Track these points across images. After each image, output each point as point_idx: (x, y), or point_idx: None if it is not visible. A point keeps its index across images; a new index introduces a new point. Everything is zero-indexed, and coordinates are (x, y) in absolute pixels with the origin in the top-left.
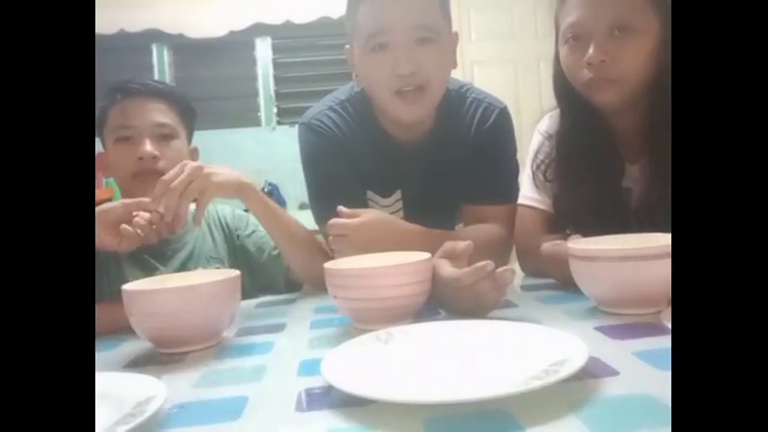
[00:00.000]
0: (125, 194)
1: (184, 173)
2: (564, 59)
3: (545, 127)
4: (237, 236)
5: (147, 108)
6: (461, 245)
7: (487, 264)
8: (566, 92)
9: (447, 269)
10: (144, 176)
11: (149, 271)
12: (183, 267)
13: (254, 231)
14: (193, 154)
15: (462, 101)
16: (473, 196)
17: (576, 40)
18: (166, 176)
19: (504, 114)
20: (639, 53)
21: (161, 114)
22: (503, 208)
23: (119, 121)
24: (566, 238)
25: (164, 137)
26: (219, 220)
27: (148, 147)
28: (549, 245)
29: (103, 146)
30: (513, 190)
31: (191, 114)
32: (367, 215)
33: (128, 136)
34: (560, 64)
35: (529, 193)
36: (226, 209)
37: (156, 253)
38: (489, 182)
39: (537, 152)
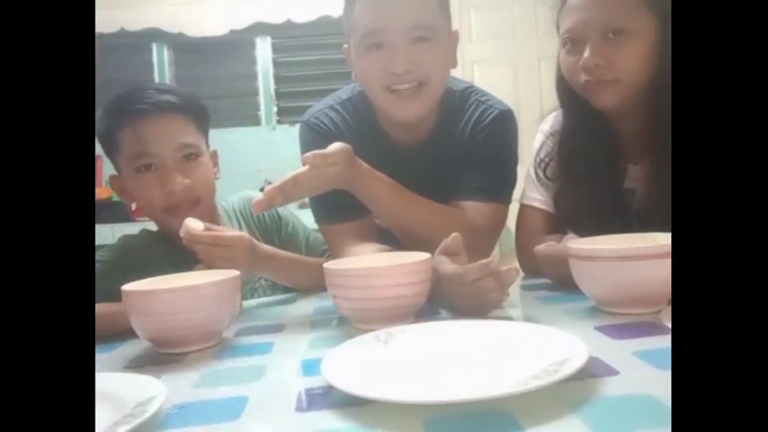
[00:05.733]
0: (156, 222)
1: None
2: (563, 62)
3: (548, 126)
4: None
5: (165, 129)
6: (448, 239)
7: (491, 261)
8: (568, 93)
9: (449, 265)
10: (178, 211)
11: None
12: None
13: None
14: (214, 158)
15: (464, 102)
16: (457, 193)
17: (572, 44)
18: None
19: (503, 117)
20: (635, 56)
21: (182, 134)
22: (482, 206)
23: (136, 149)
24: (560, 239)
25: (188, 157)
26: (243, 220)
27: (179, 178)
28: (543, 246)
29: (117, 168)
30: (498, 191)
31: (206, 119)
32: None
33: (149, 164)
34: None
35: (530, 192)
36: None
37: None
38: (474, 179)
39: (539, 151)
